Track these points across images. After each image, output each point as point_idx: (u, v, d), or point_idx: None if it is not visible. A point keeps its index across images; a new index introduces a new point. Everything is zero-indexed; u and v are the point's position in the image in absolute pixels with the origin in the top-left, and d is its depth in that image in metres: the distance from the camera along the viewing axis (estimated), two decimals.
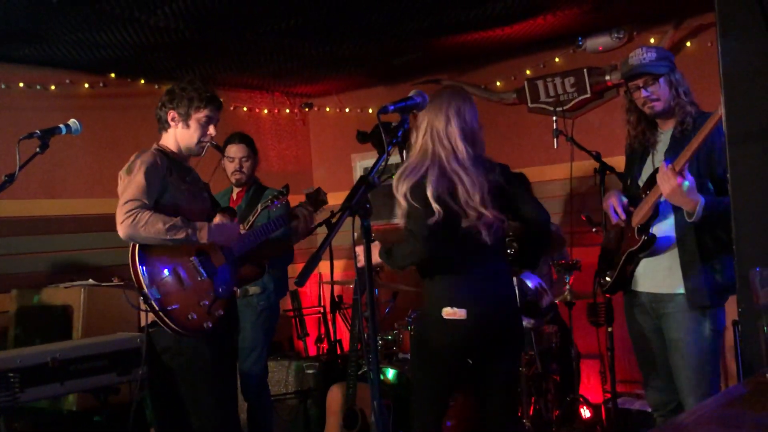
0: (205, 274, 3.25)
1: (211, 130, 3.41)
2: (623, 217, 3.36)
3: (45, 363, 3.61)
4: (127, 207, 3.09)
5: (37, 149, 3.01)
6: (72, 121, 3.13)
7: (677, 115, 3.35)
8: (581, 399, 4.63)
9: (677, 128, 3.35)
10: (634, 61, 3.37)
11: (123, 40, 4.91)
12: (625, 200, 3.40)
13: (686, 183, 3.05)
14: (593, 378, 5.56)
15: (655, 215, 3.28)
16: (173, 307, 3.14)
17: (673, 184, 3.06)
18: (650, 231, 3.28)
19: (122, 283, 4.83)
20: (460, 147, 3.09)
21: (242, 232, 3.57)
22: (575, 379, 4.70)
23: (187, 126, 3.36)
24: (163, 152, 3.34)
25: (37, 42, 4.88)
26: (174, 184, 3.28)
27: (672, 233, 3.28)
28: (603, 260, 3.58)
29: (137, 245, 3.13)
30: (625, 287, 3.46)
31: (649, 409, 3.97)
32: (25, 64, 5.31)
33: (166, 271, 3.18)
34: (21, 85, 5.32)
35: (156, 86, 6.06)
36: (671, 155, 3.26)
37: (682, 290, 3.25)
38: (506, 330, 3.17)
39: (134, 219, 3.06)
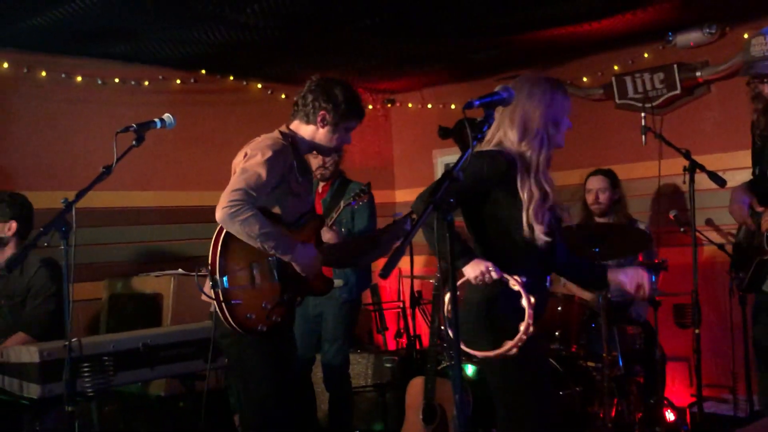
0: (277, 278, 3.15)
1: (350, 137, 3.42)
2: (753, 227, 3.23)
3: (137, 348, 3.73)
4: (234, 195, 2.97)
5: (133, 142, 3.10)
6: (166, 116, 3.22)
7: None
8: (665, 402, 4.53)
9: None
10: (756, 52, 3.12)
11: (213, 38, 5.04)
12: (749, 200, 3.26)
13: None
14: (678, 381, 5.43)
15: None
16: (236, 301, 3.08)
17: None
18: None
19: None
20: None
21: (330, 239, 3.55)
22: (659, 382, 4.59)
23: (335, 131, 3.31)
24: (294, 145, 3.25)
25: (132, 39, 5.06)
26: (287, 183, 3.18)
27: None
28: (736, 256, 3.45)
29: (225, 230, 3.06)
30: (759, 288, 3.33)
31: (737, 414, 3.85)
32: (120, 61, 5.52)
33: (242, 264, 3.12)
34: (116, 80, 5.53)
35: (244, 82, 6.20)
36: None
37: None
38: None
39: (236, 210, 2.95)
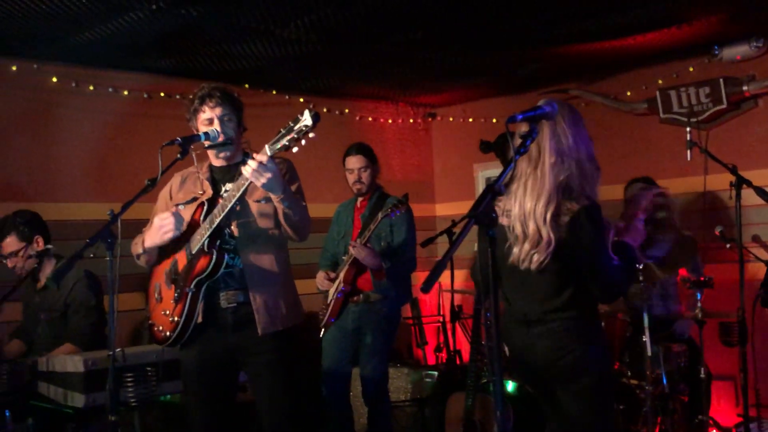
0: (170, 283, 3.28)
1: (215, 125, 3.26)
2: None
3: (179, 359, 3.76)
4: None
5: (178, 155, 3.13)
6: (211, 129, 3.25)
7: None
8: (711, 421, 4.44)
9: None
10: None
11: (257, 52, 5.10)
12: None
13: None
14: (724, 401, 5.32)
15: None
16: (150, 323, 3.34)
17: None
18: None
19: None
20: None
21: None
22: (704, 401, 4.50)
23: (195, 125, 3.34)
24: (194, 171, 3.43)
25: (178, 54, 5.14)
26: (177, 200, 3.40)
27: None
28: None
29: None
30: None
31: None
32: (165, 75, 5.60)
33: (151, 290, 3.38)
34: (162, 94, 5.61)
35: (287, 96, 6.26)
36: None
37: None
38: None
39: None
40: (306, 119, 2.83)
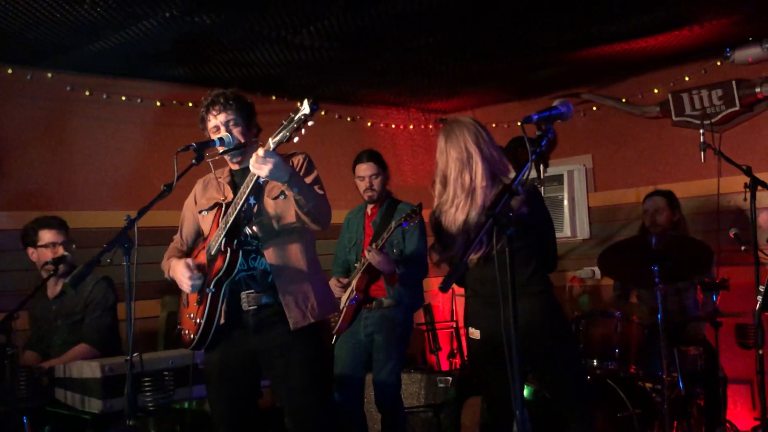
0: (195, 288, 3.29)
1: (222, 133, 3.28)
2: None
3: (195, 364, 3.78)
4: None
5: (193, 161, 3.14)
6: (225, 135, 3.27)
7: None
8: (728, 425, 4.41)
9: None
10: None
11: (269, 59, 5.12)
12: None
13: None
14: (741, 404, 5.29)
15: None
16: (179, 328, 3.38)
17: None
18: None
19: None
20: None
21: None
22: (721, 404, 4.48)
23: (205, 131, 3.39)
24: (214, 176, 3.48)
25: (191, 62, 5.17)
26: (201, 206, 3.46)
27: None
28: None
29: None
30: None
31: None
32: (178, 83, 5.63)
33: (182, 297, 3.41)
34: (174, 102, 5.64)
35: (298, 104, 6.23)
36: None
37: None
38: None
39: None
40: (305, 109, 2.92)
